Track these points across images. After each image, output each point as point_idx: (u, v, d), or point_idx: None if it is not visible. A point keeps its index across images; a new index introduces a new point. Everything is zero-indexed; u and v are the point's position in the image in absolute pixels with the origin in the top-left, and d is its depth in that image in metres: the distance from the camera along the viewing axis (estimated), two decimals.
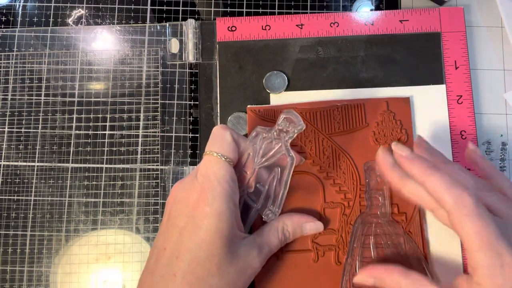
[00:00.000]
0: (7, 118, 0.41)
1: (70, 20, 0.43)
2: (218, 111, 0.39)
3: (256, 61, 0.40)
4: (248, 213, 0.34)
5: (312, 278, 0.36)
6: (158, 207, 0.39)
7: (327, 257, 0.36)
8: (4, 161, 0.40)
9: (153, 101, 0.41)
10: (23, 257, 0.39)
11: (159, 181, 0.40)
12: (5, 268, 0.39)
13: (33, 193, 0.40)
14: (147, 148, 0.40)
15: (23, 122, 0.41)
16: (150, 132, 0.40)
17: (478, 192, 0.29)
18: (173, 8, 0.43)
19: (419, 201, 0.32)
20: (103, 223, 0.39)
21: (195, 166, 0.39)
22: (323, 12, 0.42)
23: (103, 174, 0.40)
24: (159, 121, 0.40)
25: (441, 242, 0.36)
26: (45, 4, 0.43)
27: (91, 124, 0.41)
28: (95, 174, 0.40)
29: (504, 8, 0.41)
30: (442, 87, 0.39)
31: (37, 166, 0.40)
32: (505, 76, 0.40)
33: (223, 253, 0.29)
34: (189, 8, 0.43)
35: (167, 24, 0.41)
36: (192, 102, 0.41)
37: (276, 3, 0.42)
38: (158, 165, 0.40)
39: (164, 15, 0.42)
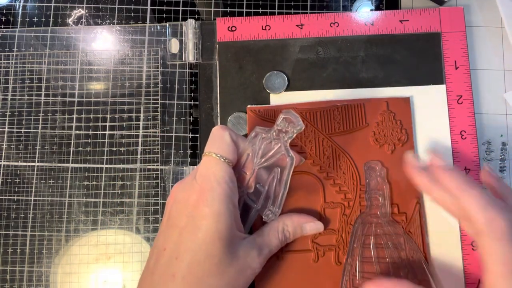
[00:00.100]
0: (7, 118, 0.41)
1: (70, 20, 0.43)
2: (218, 111, 0.39)
3: (256, 61, 0.40)
4: (248, 213, 0.34)
5: (312, 278, 0.36)
6: (158, 207, 0.39)
7: (327, 257, 0.36)
8: (4, 161, 0.40)
9: (153, 101, 0.41)
10: (23, 257, 0.39)
11: (159, 181, 0.40)
12: (5, 268, 0.39)
13: (33, 193, 0.40)
14: (147, 148, 0.40)
15: (23, 122, 0.41)
16: (150, 132, 0.40)
17: None
18: (173, 8, 0.43)
19: (446, 208, 0.32)
20: (103, 223, 0.39)
21: (195, 166, 0.39)
22: (323, 12, 0.42)
23: (103, 174, 0.40)
24: (159, 121, 0.40)
25: (441, 242, 0.36)
26: (45, 4, 0.43)
27: (91, 124, 0.41)
28: (95, 174, 0.40)
29: (504, 8, 0.41)
30: (442, 87, 0.39)
31: (37, 166, 0.40)
32: (505, 76, 0.40)
33: (222, 253, 0.29)
34: (189, 8, 0.43)
35: (167, 24, 0.41)
36: (192, 102, 0.41)
37: (276, 3, 0.42)
38: (158, 165, 0.40)
39: (164, 15, 0.42)
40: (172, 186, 0.39)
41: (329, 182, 0.37)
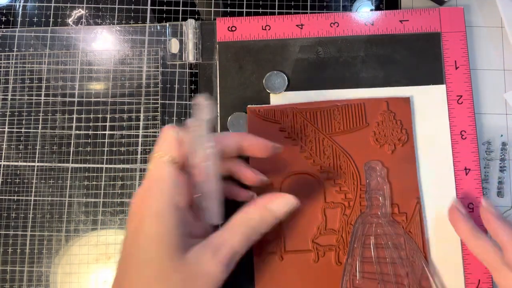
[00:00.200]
0: (7, 118, 0.41)
1: (70, 20, 0.43)
2: (218, 111, 0.39)
3: (256, 61, 0.40)
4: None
5: (312, 278, 0.36)
6: None
7: (328, 258, 0.36)
8: (4, 161, 0.40)
9: (153, 101, 0.41)
10: (23, 257, 0.39)
11: None
12: (5, 268, 0.39)
13: (33, 193, 0.40)
14: (147, 148, 0.40)
15: (23, 122, 0.41)
16: (150, 132, 0.40)
17: None
18: (173, 8, 0.43)
19: (484, 258, 0.33)
20: (103, 223, 0.39)
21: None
22: (323, 12, 0.42)
23: (103, 174, 0.40)
24: (159, 121, 0.40)
25: (441, 242, 0.36)
26: (45, 4, 0.43)
27: (91, 124, 0.41)
28: (95, 174, 0.40)
29: (504, 8, 0.41)
30: (442, 87, 0.39)
31: (37, 166, 0.40)
32: (505, 76, 0.40)
33: (163, 258, 0.27)
34: (189, 8, 0.43)
35: (167, 24, 0.41)
36: (192, 102, 0.41)
37: (276, 3, 0.42)
38: None
39: (164, 15, 0.42)
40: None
41: (329, 182, 0.37)
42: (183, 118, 0.41)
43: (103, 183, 0.40)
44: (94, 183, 0.40)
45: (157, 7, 0.43)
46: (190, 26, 0.40)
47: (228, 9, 0.42)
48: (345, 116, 0.38)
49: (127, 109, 0.41)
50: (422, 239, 0.36)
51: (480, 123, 0.40)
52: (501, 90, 0.40)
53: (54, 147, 0.40)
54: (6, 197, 0.40)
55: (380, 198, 0.36)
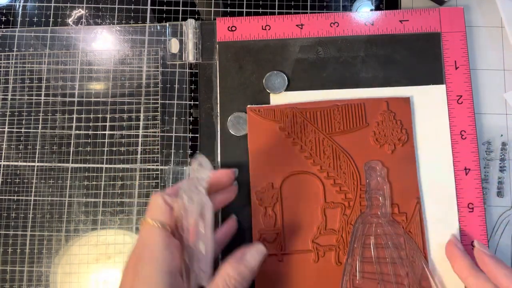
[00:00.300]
0: (7, 118, 0.41)
1: (70, 20, 0.43)
2: (218, 111, 0.39)
3: (256, 61, 0.40)
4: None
5: (313, 278, 0.36)
6: None
7: (328, 258, 0.36)
8: (4, 161, 0.40)
9: (153, 101, 0.41)
10: (23, 257, 0.39)
11: (159, 181, 0.40)
12: (5, 268, 0.39)
13: (33, 193, 0.40)
14: (147, 148, 0.40)
15: (23, 122, 0.41)
16: (150, 132, 0.40)
17: None
18: (173, 8, 0.43)
19: None
20: (103, 223, 0.39)
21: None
22: (323, 12, 0.42)
23: (103, 174, 0.40)
24: (159, 121, 0.40)
25: (441, 242, 0.36)
26: (45, 4, 0.43)
27: (91, 124, 0.41)
28: (95, 174, 0.40)
29: (504, 8, 0.41)
30: (442, 87, 0.39)
31: (37, 166, 0.40)
32: (505, 76, 0.40)
33: None
34: (189, 8, 0.43)
35: (167, 24, 0.41)
36: (192, 102, 0.41)
37: (276, 3, 0.42)
38: (158, 165, 0.40)
39: (164, 15, 0.42)
40: (172, 186, 0.39)
41: (329, 182, 0.37)
42: (183, 118, 0.41)
43: (103, 183, 0.40)
44: (94, 183, 0.40)
45: (157, 7, 0.43)
46: (190, 26, 0.40)
47: (228, 9, 0.42)
48: (345, 116, 0.38)
49: (127, 109, 0.41)
50: (422, 239, 0.36)
51: (480, 123, 0.40)
52: (501, 90, 0.40)
53: (54, 147, 0.40)
54: (6, 197, 0.40)
55: (380, 198, 0.36)
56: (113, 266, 0.39)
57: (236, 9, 0.42)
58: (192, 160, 0.30)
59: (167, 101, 0.41)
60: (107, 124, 0.41)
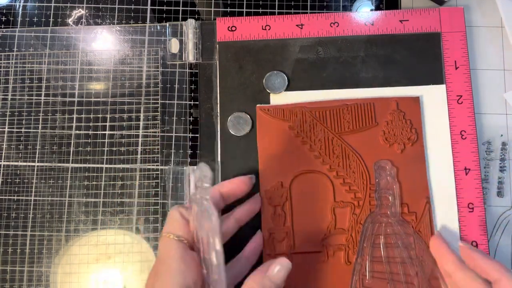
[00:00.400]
0: (7, 118, 0.41)
1: (70, 20, 0.43)
2: (218, 111, 0.39)
3: (256, 61, 0.40)
4: None
5: (322, 278, 0.36)
6: (158, 207, 0.39)
7: (337, 257, 0.36)
8: (4, 161, 0.40)
9: (153, 101, 0.41)
10: (23, 257, 0.39)
11: (159, 181, 0.40)
12: (5, 268, 0.39)
13: (33, 193, 0.40)
14: (147, 148, 0.40)
15: (23, 122, 0.41)
16: (150, 132, 0.40)
17: None
18: (173, 8, 0.43)
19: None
20: (103, 223, 0.39)
21: (195, 166, 0.39)
22: (323, 12, 0.42)
23: (103, 174, 0.40)
24: (159, 121, 0.40)
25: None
26: (45, 4, 0.43)
27: (91, 124, 0.41)
28: (95, 174, 0.40)
29: (504, 8, 0.41)
30: (442, 87, 0.39)
31: (37, 166, 0.40)
32: (505, 76, 0.40)
33: None
34: (189, 8, 0.43)
35: (167, 24, 0.41)
36: (192, 102, 0.41)
37: (276, 3, 0.42)
38: (158, 165, 0.40)
39: (164, 15, 0.42)
40: (172, 186, 0.39)
41: (338, 181, 0.37)
42: (183, 118, 0.41)
43: (103, 183, 0.40)
44: (94, 183, 0.40)
45: (157, 7, 0.43)
46: (190, 26, 0.40)
47: (228, 9, 0.42)
48: (354, 115, 0.38)
49: (127, 109, 0.41)
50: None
51: (480, 123, 0.40)
52: (501, 90, 0.40)
53: (54, 147, 0.40)
54: (6, 197, 0.40)
55: (390, 197, 0.36)
56: (113, 266, 0.39)
57: (236, 9, 0.42)
58: (194, 169, 0.30)
59: (167, 101, 0.41)
60: (107, 124, 0.41)
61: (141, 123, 0.41)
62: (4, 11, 0.43)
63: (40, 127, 0.41)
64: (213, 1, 0.43)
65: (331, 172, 0.37)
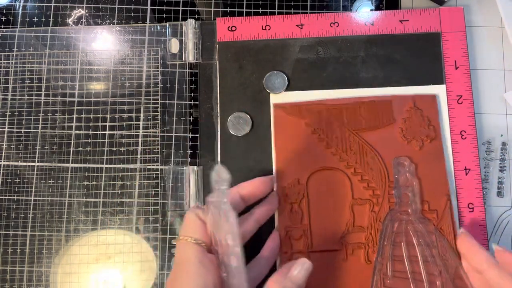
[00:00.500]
0: (7, 118, 0.41)
1: (70, 20, 0.43)
2: (218, 111, 0.39)
3: (256, 61, 0.40)
4: None
5: (342, 277, 0.35)
6: (158, 207, 0.39)
7: (357, 256, 0.35)
8: (4, 161, 0.40)
9: (153, 101, 0.41)
10: (23, 257, 0.39)
11: (159, 181, 0.40)
12: (5, 268, 0.39)
13: (33, 193, 0.40)
14: (147, 148, 0.40)
15: (23, 122, 0.41)
16: (150, 132, 0.40)
17: None
18: (173, 8, 0.43)
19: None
20: (103, 223, 0.39)
21: (195, 166, 0.39)
22: (323, 12, 0.42)
23: (103, 174, 0.40)
24: (159, 121, 0.40)
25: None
26: (45, 4, 0.43)
27: (91, 124, 0.41)
28: (95, 174, 0.40)
29: (504, 8, 0.41)
30: (442, 87, 0.39)
31: (37, 166, 0.40)
32: (505, 76, 0.40)
33: None
34: (189, 8, 0.43)
35: (167, 24, 0.41)
36: (192, 102, 0.41)
37: (276, 3, 0.42)
38: (158, 165, 0.40)
39: (164, 15, 0.42)
40: (172, 186, 0.39)
41: (356, 178, 0.37)
42: (183, 118, 0.41)
43: (103, 183, 0.40)
44: (94, 183, 0.40)
45: (157, 7, 0.43)
46: (190, 26, 0.40)
47: (228, 9, 0.42)
48: (371, 112, 0.38)
49: (127, 109, 0.41)
50: (454, 236, 0.35)
51: (480, 123, 0.40)
52: (501, 90, 0.40)
53: (54, 147, 0.40)
54: (6, 197, 0.40)
55: (410, 194, 0.35)
56: (113, 266, 0.39)
57: (236, 9, 0.42)
58: (212, 171, 0.30)
59: (167, 101, 0.41)
60: (107, 124, 0.41)
61: (141, 123, 0.41)
62: (4, 11, 0.43)
63: (40, 127, 0.41)
64: (213, 1, 0.43)
65: (349, 169, 0.37)
